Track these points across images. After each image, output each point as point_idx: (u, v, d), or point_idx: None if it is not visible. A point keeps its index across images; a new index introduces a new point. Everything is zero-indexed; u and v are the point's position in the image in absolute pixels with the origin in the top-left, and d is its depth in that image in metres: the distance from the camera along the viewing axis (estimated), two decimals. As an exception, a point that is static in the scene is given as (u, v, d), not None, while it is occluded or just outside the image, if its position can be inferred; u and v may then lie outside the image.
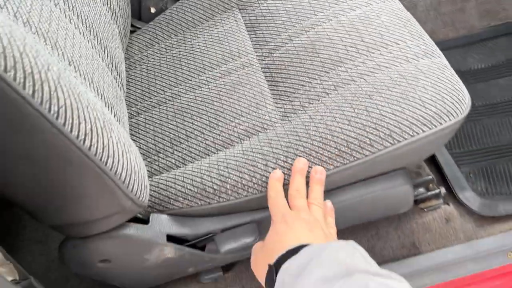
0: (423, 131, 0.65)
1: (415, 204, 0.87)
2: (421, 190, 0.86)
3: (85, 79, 0.62)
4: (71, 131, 0.46)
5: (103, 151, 0.50)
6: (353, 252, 0.45)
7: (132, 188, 0.56)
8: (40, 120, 0.44)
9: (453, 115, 0.65)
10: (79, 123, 0.47)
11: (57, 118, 0.45)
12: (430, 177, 0.86)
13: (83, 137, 0.48)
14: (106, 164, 0.51)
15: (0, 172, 0.50)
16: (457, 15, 1.25)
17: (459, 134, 1.00)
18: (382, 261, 0.83)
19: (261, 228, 0.72)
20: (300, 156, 0.67)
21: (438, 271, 0.82)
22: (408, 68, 0.71)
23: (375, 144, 0.65)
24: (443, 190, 0.87)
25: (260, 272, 0.56)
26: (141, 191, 0.59)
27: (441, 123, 0.65)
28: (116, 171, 0.53)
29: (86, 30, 0.73)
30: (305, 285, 0.41)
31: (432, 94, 0.66)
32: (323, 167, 0.66)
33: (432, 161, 0.94)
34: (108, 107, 0.65)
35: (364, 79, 0.72)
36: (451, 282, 0.82)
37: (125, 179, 0.55)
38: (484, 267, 0.82)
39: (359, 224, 0.87)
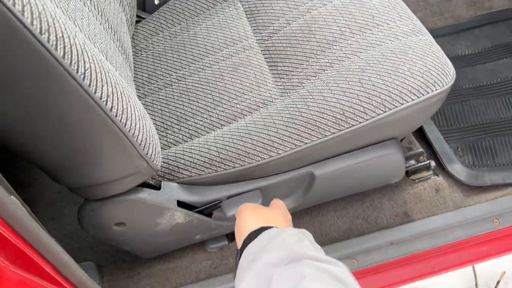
0: (412, 99, 0.71)
1: (406, 175, 0.93)
2: (412, 162, 0.91)
3: (102, 55, 0.67)
4: (95, 91, 0.52)
5: (122, 113, 0.56)
6: (302, 239, 0.49)
7: (148, 150, 0.62)
8: (69, 81, 0.49)
9: (439, 85, 0.71)
10: (102, 86, 0.53)
11: (83, 79, 0.50)
12: (420, 150, 0.92)
13: (105, 98, 0.53)
14: (125, 126, 0.57)
15: (28, 135, 0.55)
16: (445, 5, 1.32)
17: (448, 113, 1.06)
18: (376, 229, 0.89)
19: (265, 194, 0.77)
20: (300, 125, 0.72)
21: (429, 237, 0.87)
22: (398, 45, 0.77)
23: (368, 111, 0.71)
24: (432, 163, 0.93)
25: (242, 235, 0.57)
26: (155, 154, 0.64)
27: (428, 92, 0.71)
28: (134, 133, 0.58)
29: (98, 14, 0.78)
30: (256, 268, 0.46)
31: (419, 67, 0.72)
32: (321, 134, 0.72)
33: (423, 137, 1.00)
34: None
35: (357, 56, 0.78)
36: (441, 248, 0.87)
37: (141, 141, 0.60)
38: (471, 233, 0.88)
39: (355, 196, 0.92)
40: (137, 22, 1.09)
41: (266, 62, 0.87)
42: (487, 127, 1.03)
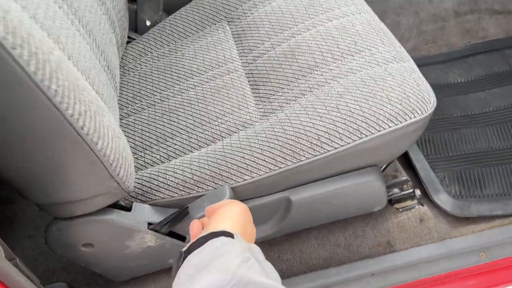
0: (389, 126, 0.69)
1: (390, 204, 0.91)
2: (396, 190, 0.89)
3: (82, 74, 0.67)
4: (67, 109, 0.51)
5: (94, 132, 0.55)
6: (248, 258, 0.46)
7: (119, 171, 0.61)
8: (40, 97, 0.49)
9: (418, 113, 0.70)
10: (75, 103, 0.52)
11: (55, 96, 0.50)
12: (404, 178, 0.89)
13: (77, 116, 0.52)
14: (96, 145, 0.56)
15: None
16: (438, 33, 1.31)
17: (437, 141, 1.04)
18: (358, 258, 0.86)
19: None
20: (275, 149, 0.71)
21: (413, 269, 0.84)
22: (378, 71, 0.76)
23: (344, 138, 0.69)
24: (418, 192, 0.91)
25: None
26: (127, 176, 0.63)
27: (406, 120, 0.69)
28: (105, 153, 0.57)
29: (86, 33, 0.78)
30: None
31: (398, 93, 0.71)
32: (296, 158, 0.70)
33: (409, 166, 0.98)
34: (103, 101, 0.70)
35: (337, 81, 0.77)
36: (425, 280, 0.84)
37: (113, 161, 0.59)
38: (457, 266, 0.85)
39: (337, 223, 0.90)
40: (127, 42, 1.10)
41: (249, 85, 0.87)
42: (476, 156, 1.00)
